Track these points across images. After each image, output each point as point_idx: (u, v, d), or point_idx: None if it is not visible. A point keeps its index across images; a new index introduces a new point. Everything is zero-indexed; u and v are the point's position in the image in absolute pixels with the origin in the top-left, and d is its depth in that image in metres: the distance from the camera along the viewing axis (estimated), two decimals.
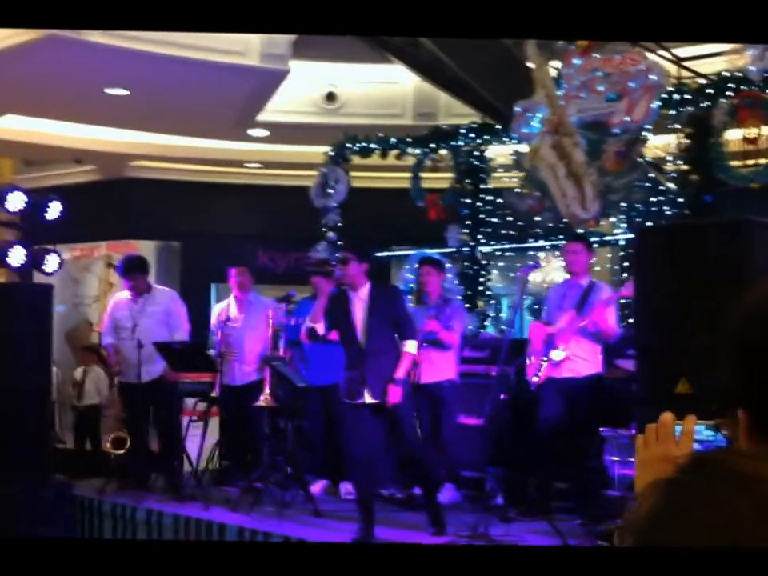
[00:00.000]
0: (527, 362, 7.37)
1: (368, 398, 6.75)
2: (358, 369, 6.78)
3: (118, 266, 9.06)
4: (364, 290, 6.99)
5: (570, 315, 7.26)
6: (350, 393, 6.83)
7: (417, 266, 8.55)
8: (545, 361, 7.22)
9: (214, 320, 9.17)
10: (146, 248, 12.22)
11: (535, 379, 7.26)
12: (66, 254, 11.44)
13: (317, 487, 8.35)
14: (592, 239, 8.77)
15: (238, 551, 2.33)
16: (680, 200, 8.56)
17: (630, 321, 7.78)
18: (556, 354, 7.17)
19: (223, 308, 9.18)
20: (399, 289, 7.94)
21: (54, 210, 8.48)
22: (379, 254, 7.38)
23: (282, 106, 11.06)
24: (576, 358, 7.20)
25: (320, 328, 7.81)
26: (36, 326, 8.37)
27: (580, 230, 8.58)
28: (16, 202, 8.32)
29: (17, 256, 8.26)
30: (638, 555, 1.41)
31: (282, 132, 11.66)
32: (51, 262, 8.53)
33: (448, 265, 9.30)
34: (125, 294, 8.83)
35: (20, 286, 8.93)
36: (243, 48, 9.67)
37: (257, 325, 8.83)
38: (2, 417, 8.12)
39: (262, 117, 11.14)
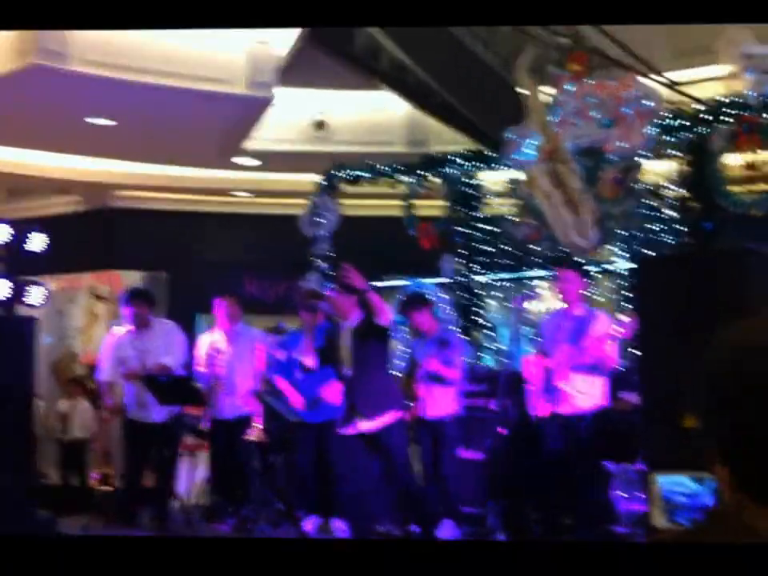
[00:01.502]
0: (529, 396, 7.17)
1: (362, 425, 6.62)
2: (349, 398, 6.68)
3: (123, 295, 8.85)
4: (353, 321, 6.88)
5: (565, 350, 7.04)
6: (343, 424, 6.73)
7: (399, 312, 8.35)
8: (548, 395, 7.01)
9: (201, 351, 8.96)
10: (132, 278, 12.05)
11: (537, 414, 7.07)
12: (51, 285, 11.25)
13: (309, 524, 8.13)
14: (591, 267, 8.63)
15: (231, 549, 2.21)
16: (680, 227, 8.42)
17: (633, 351, 7.61)
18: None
19: (210, 339, 8.98)
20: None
21: (37, 241, 8.30)
22: (372, 285, 7.20)
23: (271, 134, 10.94)
24: (576, 394, 6.98)
25: (308, 362, 7.65)
26: (19, 360, 8.16)
27: (577, 258, 8.44)
28: None
29: (0, 289, 8.05)
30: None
31: (272, 160, 11.54)
32: (35, 294, 8.34)
33: (441, 295, 9.14)
34: (123, 329, 8.61)
35: (2, 319, 8.72)
36: (229, 76, 9.56)
37: (246, 357, 8.63)
38: None
39: (250, 145, 11.01)
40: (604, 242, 8.72)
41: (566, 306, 7.29)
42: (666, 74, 9.11)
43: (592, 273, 8.92)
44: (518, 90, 9.04)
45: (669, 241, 8.50)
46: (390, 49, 9.89)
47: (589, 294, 8.13)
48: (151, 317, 8.60)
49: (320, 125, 11.18)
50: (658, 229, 8.58)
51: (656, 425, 6.04)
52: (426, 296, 8.47)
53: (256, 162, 11.70)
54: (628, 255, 8.84)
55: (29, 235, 8.31)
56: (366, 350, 6.98)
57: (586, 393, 6.99)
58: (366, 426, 6.75)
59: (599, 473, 6.96)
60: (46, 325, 12.27)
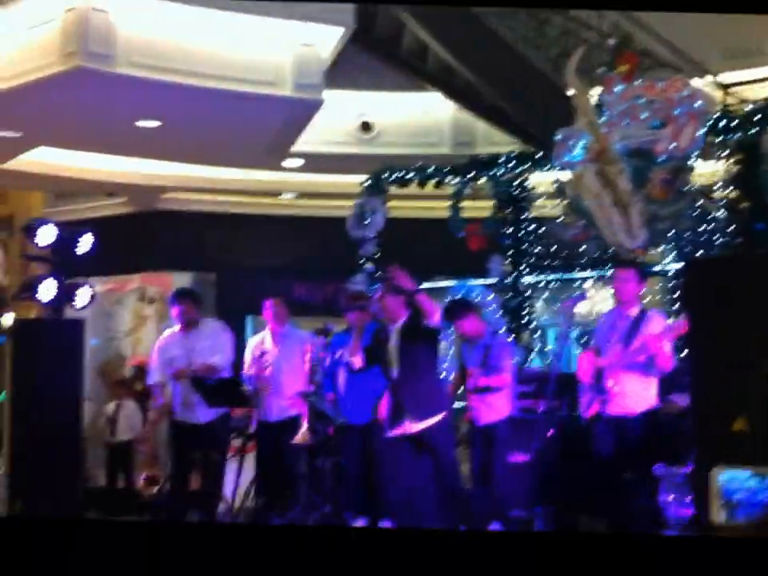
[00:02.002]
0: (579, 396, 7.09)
1: (410, 427, 6.57)
2: (396, 399, 6.62)
3: (170, 295, 8.89)
4: (401, 322, 6.89)
5: (617, 349, 6.95)
6: (390, 423, 6.69)
7: (445, 320, 8.28)
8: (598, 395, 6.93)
9: (248, 353, 8.96)
10: (181, 280, 12.09)
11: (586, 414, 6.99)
12: (98, 287, 11.33)
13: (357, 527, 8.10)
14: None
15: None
16: (730, 228, 8.31)
17: (684, 354, 7.51)
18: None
19: (258, 341, 8.97)
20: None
21: (85, 243, 8.37)
22: (419, 287, 7.16)
23: (317, 136, 10.94)
24: (627, 395, 6.88)
25: (356, 361, 7.62)
26: (67, 362, 8.23)
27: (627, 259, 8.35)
28: (46, 235, 8.22)
29: (47, 291, 8.13)
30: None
31: (318, 162, 11.53)
32: (82, 296, 8.40)
33: (489, 297, 9.09)
34: (173, 330, 8.62)
35: (51, 321, 8.80)
36: (275, 78, 9.57)
37: (293, 358, 8.59)
38: (33, 453, 7.97)
39: (297, 147, 11.01)
40: (653, 244, 8.62)
41: (620, 305, 7.18)
42: (717, 75, 9.03)
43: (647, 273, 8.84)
44: (567, 91, 8.99)
45: (719, 242, 8.39)
46: (437, 50, 9.87)
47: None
48: (198, 316, 8.58)
49: (366, 126, 11.17)
50: (707, 230, 8.47)
51: (707, 427, 5.95)
52: (470, 301, 8.41)
53: (302, 164, 11.70)
54: (677, 256, 8.73)
55: (77, 237, 8.37)
56: (414, 351, 6.95)
57: (637, 394, 6.90)
58: (413, 427, 6.69)
59: (648, 475, 6.86)
60: (94, 327, 12.34)
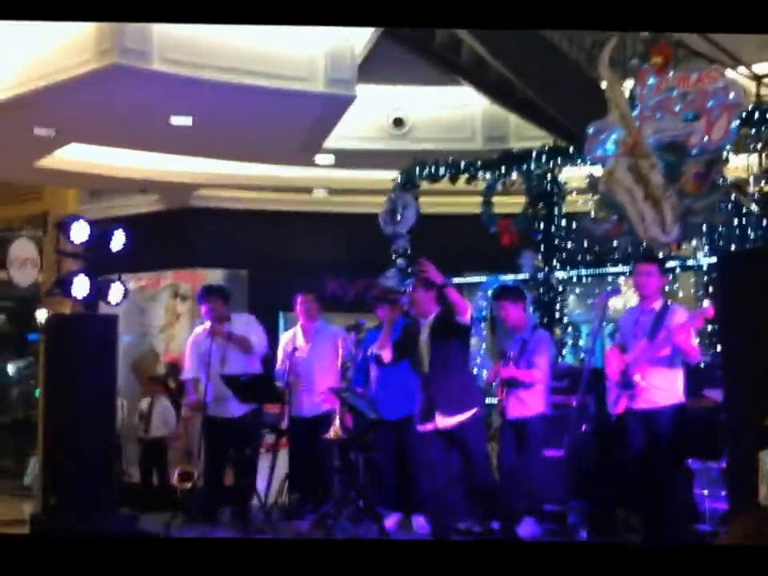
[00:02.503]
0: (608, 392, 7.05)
1: (441, 422, 6.54)
2: (427, 394, 6.60)
3: (198, 292, 8.92)
4: (432, 317, 6.96)
5: (642, 344, 6.91)
6: (421, 417, 6.66)
7: (492, 299, 8.29)
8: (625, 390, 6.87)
9: (280, 349, 8.98)
10: (213, 276, 12.13)
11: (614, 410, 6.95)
12: (132, 284, 11.41)
13: (390, 521, 8.09)
14: (673, 263, 8.46)
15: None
16: (764, 222, 8.22)
17: (717, 348, 7.44)
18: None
19: (290, 337, 8.99)
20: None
21: (118, 240, 8.39)
22: (449, 281, 7.14)
23: (349, 132, 10.91)
24: (654, 389, 6.84)
25: (386, 355, 7.62)
26: (101, 358, 8.25)
27: (657, 253, 8.29)
28: (80, 232, 8.25)
29: (81, 287, 8.17)
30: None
31: (350, 158, 11.51)
32: (115, 293, 8.43)
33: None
34: (204, 326, 8.66)
35: (84, 317, 8.85)
36: (308, 74, 9.55)
37: (325, 354, 8.61)
38: (67, 449, 8.01)
39: (329, 143, 11.00)
40: (686, 238, 8.54)
41: (643, 300, 7.15)
42: (751, 66, 8.92)
43: (672, 267, 8.77)
44: (600, 83, 8.92)
45: (752, 236, 8.30)
46: (470, 44, 9.81)
47: (668, 289, 7.98)
48: (228, 312, 8.59)
49: (398, 122, 11.14)
50: (741, 224, 8.38)
51: (741, 421, 5.89)
52: (522, 290, 8.39)
53: (334, 160, 11.68)
54: (710, 251, 8.66)
55: (110, 234, 8.41)
56: (446, 347, 6.92)
57: (664, 388, 6.85)
58: (444, 422, 6.67)
59: (682, 470, 6.81)
60: (128, 323, 12.42)
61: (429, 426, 6.72)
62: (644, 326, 6.99)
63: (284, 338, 9.18)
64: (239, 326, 8.52)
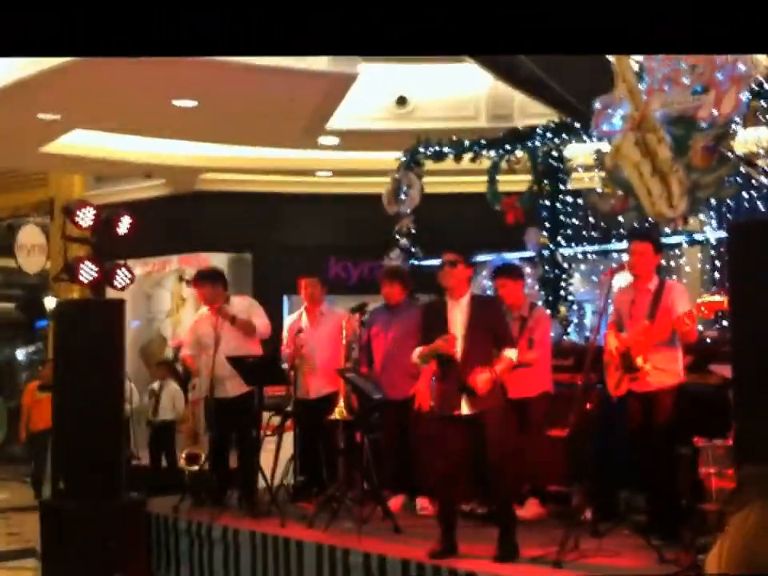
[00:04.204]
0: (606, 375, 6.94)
1: (465, 409, 6.41)
2: (455, 381, 6.42)
3: (194, 278, 8.88)
4: (465, 299, 6.60)
5: (644, 326, 6.77)
6: (446, 405, 6.49)
7: (491, 277, 8.19)
8: (627, 373, 6.76)
9: (285, 332, 8.94)
10: (219, 260, 12.12)
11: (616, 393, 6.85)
12: (138, 269, 11.38)
13: (394, 502, 8.05)
14: (680, 238, 8.36)
15: None
16: None
17: (724, 324, 7.34)
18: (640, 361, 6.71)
19: (295, 320, 8.95)
20: (500, 301, 7.50)
21: (124, 225, 8.38)
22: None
23: (352, 113, 10.83)
24: (655, 370, 6.73)
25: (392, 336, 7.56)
26: (109, 342, 8.29)
27: (667, 229, 8.20)
28: (86, 218, 8.24)
29: (88, 272, 8.18)
30: None
31: (353, 139, 11.44)
32: (122, 278, 8.44)
33: (527, 270, 8.96)
34: (205, 310, 8.65)
35: (92, 302, 8.89)
36: None
37: (329, 337, 8.54)
38: (77, 433, 8.04)
39: (332, 124, 10.92)
40: (694, 212, 8.42)
41: (637, 279, 7.02)
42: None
43: (673, 244, 8.65)
44: (607, 57, 8.80)
45: (762, 209, 8.18)
46: None
47: (674, 264, 7.86)
48: (221, 294, 8.51)
49: (402, 101, 11.04)
50: (750, 197, 8.27)
51: (749, 398, 5.80)
52: (518, 267, 8.28)
53: (338, 142, 11.61)
54: (718, 225, 8.55)
55: (116, 219, 8.39)
56: (476, 330, 6.59)
57: (666, 369, 6.73)
58: (469, 409, 6.48)
59: (687, 449, 6.72)
60: (135, 308, 12.42)
61: (454, 414, 6.52)
62: (642, 307, 6.86)
63: (289, 320, 9.14)
64: (240, 309, 8.48)
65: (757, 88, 8.03)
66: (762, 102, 8.16)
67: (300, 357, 8.53)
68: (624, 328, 6.95)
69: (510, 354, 6.53)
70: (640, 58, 8.53)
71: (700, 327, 7.61)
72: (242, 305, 8.59)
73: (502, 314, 6.90)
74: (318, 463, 8.60)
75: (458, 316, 6.52)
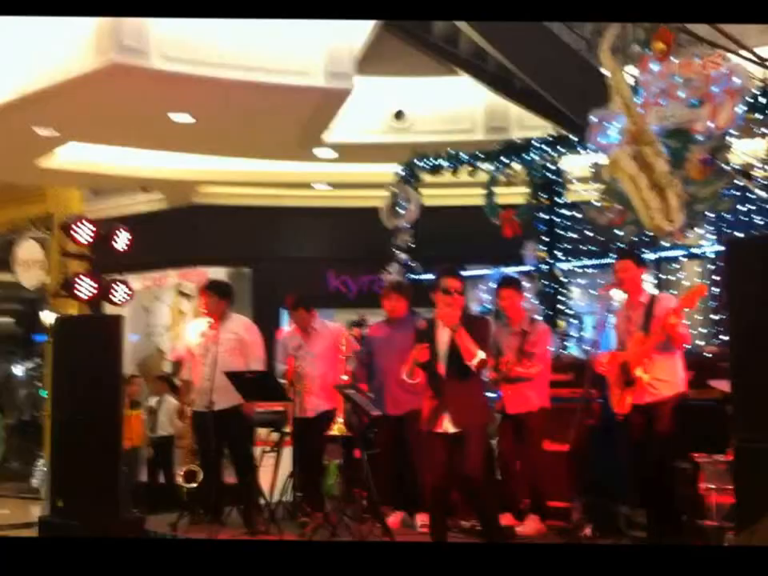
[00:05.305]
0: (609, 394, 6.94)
1: (448, 428, 6.41)
2: (439, 397, 6.44)
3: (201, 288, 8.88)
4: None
5: (638, 337, 6.83)
6: (430, 421, 6.50)
7: (496, 288, 8.17)
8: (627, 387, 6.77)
9: (280, 347, 8.85)
10: (217, 274, 12.08)
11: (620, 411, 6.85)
12: (136, 284, 11.36)
13: (393, 519, 8.01)
14: (678, 252, 8.38)
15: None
16: None
17: (724, 338, 7.34)
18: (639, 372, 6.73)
19: (287, 335, 8.86)
20: (489, 321, 7.50)
21: (122, 240, 8.37)
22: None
23: (350, 126, 10.86)
24: (655, 381, 6.76)
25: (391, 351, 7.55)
26: (106, 359, 8.23)
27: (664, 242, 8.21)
28: (84, 234, 8.23)
29: (86, 288, 8.16)
30: None
31: (351, 152, 11.45)
32: (120, 292, 8.42)
33: (526, 284, 8.95)
34: (204, 321, 8.60)
35: (90, 317, 8.86)
36: (306, 68, 9.49)
37: (323, 353, 8.47)
38: (74, 450, 7.98)
39: (330, 137, 10.94)
40: (691, 226, 8.43)
41: (629, 295, 7.08)
42: (754, 50, 8.80)
43: (665, 258, 8.68)
44: (602, 71, 8.82)
45: (759, 222, 8.19)
46: (469, 34, 9.73)
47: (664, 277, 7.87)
48: (223, 307, 8.46)
49: (399, 114, 11.06)
50: (747, 210, 8.27)
51: (747, 413, 5.79)
52: (520, 281, 8.28)
53: (335, 154, 11.62)
54: (717, 238, 8.55)
55: (114, 234, 8.38)
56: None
57: (665, 379, 6.77)
58: (451, 428, 6.49)
59: (688, 464, 6.72)
60: (134, 323, 12.42)
61: (437, 431, 6.54)
62: (636, 321, 6.93)
63: (282, 336, 9.03)
64: (235, 328, 8.42)
65: (752, 101, 8.05)
66: (757, 115, 8.18)
67: (295, 373, 8.41)
68: (625, 346, 6.98)
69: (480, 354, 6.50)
70: (635, 72, 8.54)
71: (702, 342, 7.64)
72: (238, 326, 8.49)
73: (488, 333, 6.85)
74: (317, 480, 8.57)
75: (444, 336, 6.53)
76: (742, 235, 8.12)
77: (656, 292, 7.34)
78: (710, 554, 3.51)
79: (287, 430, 8.59)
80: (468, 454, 6.39)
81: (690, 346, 6.95)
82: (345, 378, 7.93)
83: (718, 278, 8.42)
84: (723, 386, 6.62)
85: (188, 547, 4.85)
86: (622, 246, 8.60)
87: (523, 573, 3.93)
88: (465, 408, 6.42)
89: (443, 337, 6.53)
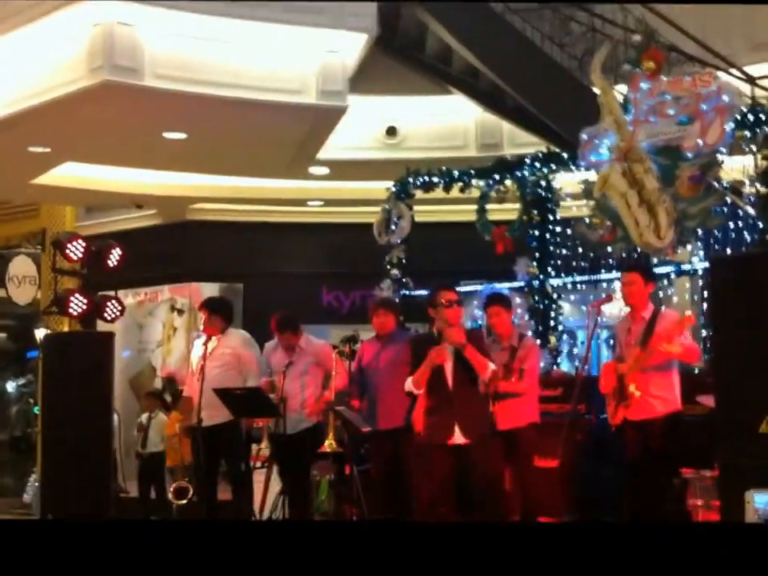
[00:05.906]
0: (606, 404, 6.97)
1: (459, 439, 6.46)
2: (447, 414, 6.48)
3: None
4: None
5: (635, 353, 6.87)
6: (436, 435, 6.54)
7: (483, 305, 8.20)
8: (621, 401, 6.80)
9: (264, 364, 8.79)
10: (209, 290, 12.12)
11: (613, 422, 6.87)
12: (129, 300, 11.40)
13: None
14: (668, 269, 8.39)
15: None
16: (760, 225, 8.15)
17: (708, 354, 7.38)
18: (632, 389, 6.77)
19: (271, 352, 8.78)
20: (483, 332, 7.55)
21: (114, 257, 8.38)
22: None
23: (342, 143, 10.89)
24: (650, 397, 6.78)
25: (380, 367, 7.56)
26: (97, 375, 8.23)
27: (655, 260, 8.23)
28: (76, 250, 8.24)
29: (78, 305, 8.17)
30: None
31: (343, 169, 11.49)
32: (113, 309, 8.42)
33: (517, 300, 8.97)
34: (202, 336, 8.59)
35: (81, 334, 8.84)
36: (300, 86, 9.54)
37: (308, 370, 8.46)
38: (65, 466, 7.98)
39: (322, 154, 10.97)
40: (681, 242, 8.47)
41: (632, 308, 7.11)
42: (744, 68, 8.86)
43: (665, 273, 8.70)
44: (593, 89, 8.88)
45: (748, 239, 8.23)
46: (461, 53, 9.80)
47: (662, 294, 7.90)
48: (220, 324, 8.46)
49: (391, 131, 11.12)
50: (737, 227, 8.32)
51: (732, 429, 5.82)
52: (507, 297, 8.30)
53: (328, 172, 11.65)
54: (706, 255, 8.59)
55: (107, 252, 8.39)
56: (470, 369, 6.68)
57: (659, 396, 6.79)
58: (462, 439, 6.52)
59: (677, 480, 6.74)
60: (126, 339, 12.41)
61: (450, 441, 6.57)
62: (636, 335, 6.95)
63: (266, 353, 8.89)
64: (231, 343, 8.42)
65: (741, 118, 8.10)
66: (747, 132, 8.23)
67: (280, 390, 8.32)
68: (624, 357, 7.01)
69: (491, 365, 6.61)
70: (625, 90, 8.60)
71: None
72: (235, 341, 8.49)
73: (484, 344, 6.92)
74: (307, 496, 8.55)
75: (447, 348, 6.57)
76: (729, 251, 8.17)
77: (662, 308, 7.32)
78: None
79: (263, 446, 8.53)
80: (479, 464, 6.45)
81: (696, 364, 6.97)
82: (330, 395, 7.95)
83: (705, 294, 8.45)
84: (711, 401, 6.66)
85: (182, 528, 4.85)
86: (627, 261, 8.59)
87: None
88: (474, 419, 6.51)
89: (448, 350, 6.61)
